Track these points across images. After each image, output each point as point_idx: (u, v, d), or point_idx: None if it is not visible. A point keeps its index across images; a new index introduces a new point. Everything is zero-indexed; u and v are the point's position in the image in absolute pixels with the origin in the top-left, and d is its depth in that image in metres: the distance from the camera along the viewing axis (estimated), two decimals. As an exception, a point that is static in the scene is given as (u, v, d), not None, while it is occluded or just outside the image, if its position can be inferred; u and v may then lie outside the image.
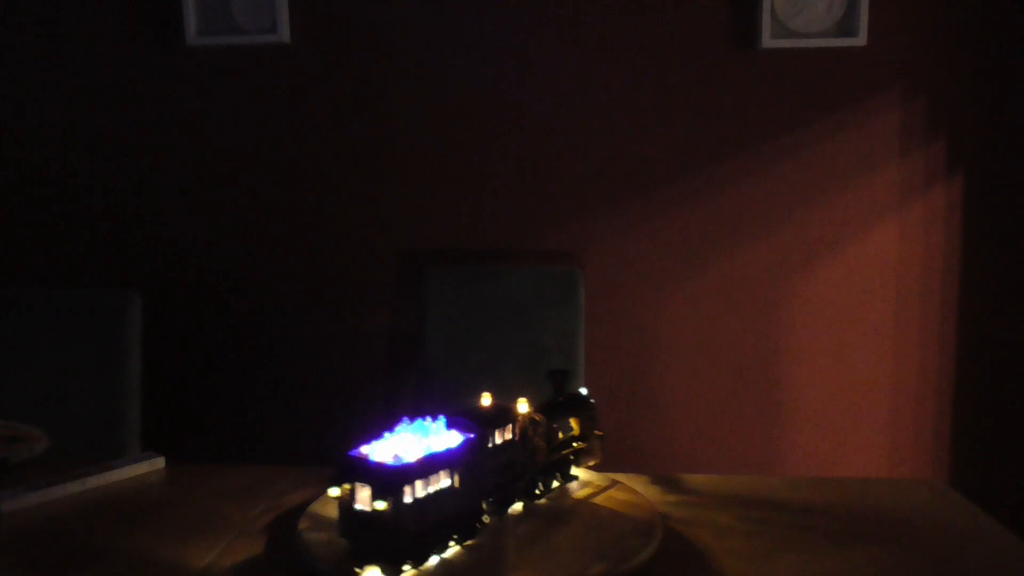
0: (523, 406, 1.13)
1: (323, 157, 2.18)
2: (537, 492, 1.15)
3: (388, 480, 0.91)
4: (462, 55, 2.12)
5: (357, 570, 0.94)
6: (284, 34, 2.09)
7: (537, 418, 1.14)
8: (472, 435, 1.03)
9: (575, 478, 1.23)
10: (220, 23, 2.11)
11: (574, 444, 1.21)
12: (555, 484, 1.19)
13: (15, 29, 2.21)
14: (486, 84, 2.13)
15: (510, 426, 1.09)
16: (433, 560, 0.97)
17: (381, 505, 0.91)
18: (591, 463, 1.25)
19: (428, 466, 0.94)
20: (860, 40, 1.99)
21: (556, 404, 1.20)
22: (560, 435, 1.18)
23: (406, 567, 0.94)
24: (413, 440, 0.99)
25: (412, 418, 1.03)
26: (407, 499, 0.92)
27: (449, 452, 0.98)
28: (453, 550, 1.00)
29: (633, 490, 1.18)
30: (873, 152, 2.08)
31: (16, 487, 1.21)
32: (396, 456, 0.94)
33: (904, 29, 2.03)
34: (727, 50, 2.07)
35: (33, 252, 2.28)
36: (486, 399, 1.13)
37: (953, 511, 1.15)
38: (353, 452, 0.96)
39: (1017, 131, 2.05)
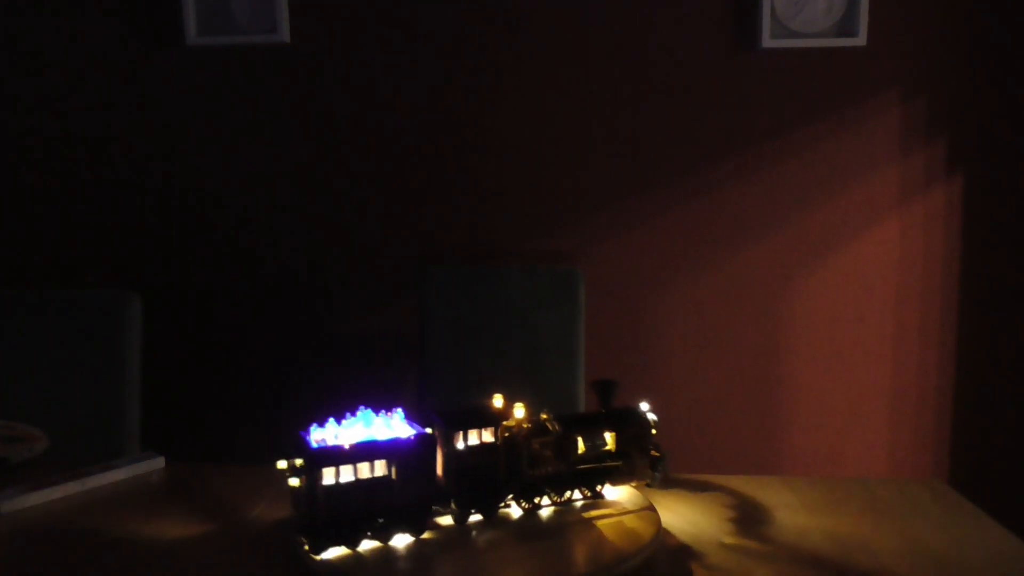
0: (519, 411, 1.09)
1: (323, 157, 2.18)
2: (540, 502, 1.11)
3: (306, 459, 0.96)
4: (462, 55, 2.12)
5: (301, 539, 0.98)
6: (284, 34, 2.09)
7: (550, 427, 1.09)
8: (423, 431, 1.03)
9: (600, 495, 1.15)
10: (220, 23, 2.11)
11: (607, 461, 1.13)
12: (574, 497, 1.13)
13: (15, 29, 2.21)
14: (486, 84, 2.13)
15: (491, 429, 1.06)
16: (369, 545, 0.99)
17: (295, 482, 0.98)
18: (634, 483, 1.16)
19: (353, 454, 0.97)
20: (860, 40, 1.99)
21: (580, 415, 1.15)
22: (582, 448, 1.11)
23: (335, 545, 0.97)
24: (368, 428, 1.04)
25: (369, 408, 1.06)
26: (326, 480, 0.95)
27: (386, 443, 0.99)
28: (402, 540, 1.01)
29: (653, 521, 1.07)
30: (873, 152, 2.08)
31: (16, 487, 1.21)
32: (322, 440, 1.00)
33: (904, 29, 2.03)
34: (727, 50, 2.07)
35: (33, 253, 2.28)
36: (498, 400, 1.12)
37: (953, 511, 1.15)
38: (304, 431, 1.02)
39: (1017, 131, 2.05)
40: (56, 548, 1.06)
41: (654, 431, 1.17)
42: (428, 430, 1.05)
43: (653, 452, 1.17)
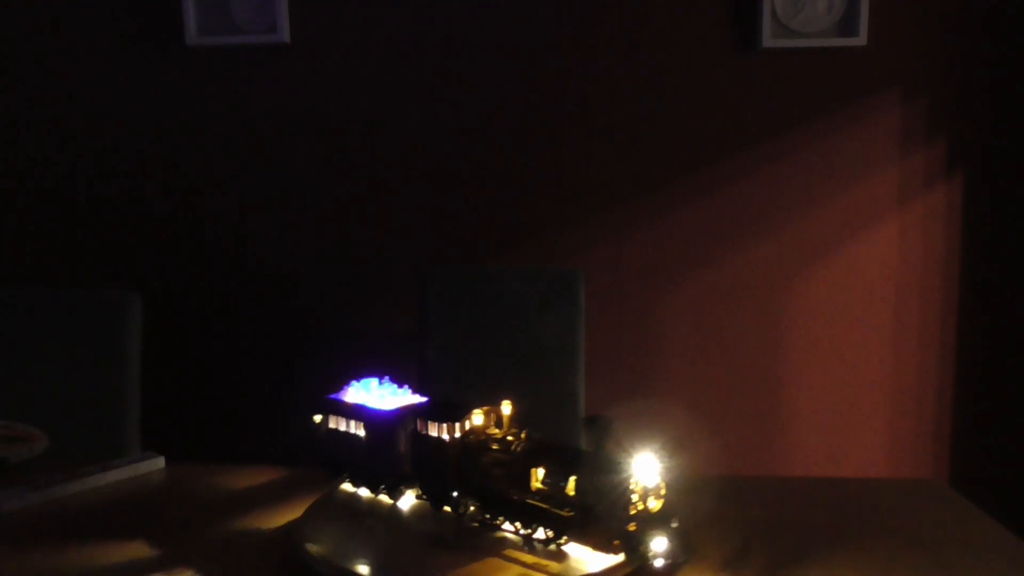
0: (477, 417, 1.04)
1: (323, 157, 2.18)
2: (500, 522, 1.00)
3: (318, 403, 1.18)
4: (462, 55, 2.12)
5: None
6: (284, 34, 2.09)
7: (512, 447, 0.98)
8: (389, 410, 1.10)
9: (548, 542, 0.94)
10: (220, 23, 2.11)
11: (565, 508, 0.93)
12: (537, 534, 0.96)
13: (15, 29, 2.21)
14: (486, 85, 2.13)
15: (446, 426, 1.03)
16: (360, 492, 1.14)
17: (317, 418, 1.18)
18: (591, 547, 0.92)
19: (342, 410, 1.15)
20: (860, 40, 1.99)
21: (557, 446, 0.98)
22: (536, 482, 0.95)
23: (334, 476, 1.17)
24: (376, 392, 1.16)
25: (377, 378, 1.19)
26: (330, 424, 1.17)
27: (362, 409, 1.12)
28: (382, 496, 1.12)
29: None
30: (873, 152, 2.08)
31: (16, 487, 1.21)
32: (335, 393, 1.18)
33: (904, 29, 2.03)
34: (727, 50, 2.07)
35: (33, 253, 2.28)
36: (506, 407, 1.08)
37: (953, 511, 1.15)
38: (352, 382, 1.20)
39: (1017, 131, 2.05)
40: (56, 548, 1.06)
41: (634, 493, 0.88)
42: (395, 410, 1.10)
43: (631, 526, 0.88)
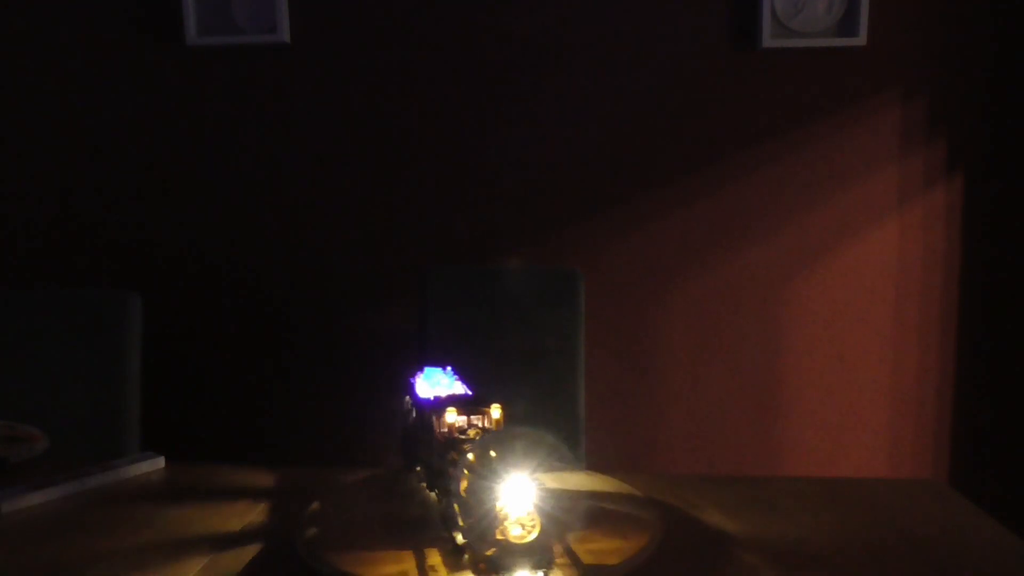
0: (449, 415, 1.02)
1: (323, 157, 2.18)
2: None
3: (405, 386, 1.25)
4: (462, 55, 2.12)
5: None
6: (284, 34, 2.09)
7: (459, 448, 0.94)
8: (430, 398, 1.13)
9: (456, 552, 0.88)
10: (220, 23, 2.11)
11: (462, 519, 0.85)
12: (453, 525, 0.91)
13: (15, 29, 2.21)
14: (486, 84, 2.13)
15: (434, 419, 1.04)
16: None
17: (406, 397, 1.22)
18: (471, 568, 0.84)
19: (409, 391, 1.23)
20: (860, 40, 1.99)
21: (481, 453, 0.89)
22: (463, 488, 0.91)
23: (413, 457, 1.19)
24: (438, 380, 1.22)
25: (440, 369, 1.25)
26: (404, 404, 1.24)
27: (413, 393, 1.19)
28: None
29: None
30: (873, 152, 2.08)
31: (16, 487, 1.21)
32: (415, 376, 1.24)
33: (904, 29, 2.03)
34: (727, 50, 2.07)
35: (33, 252, 2.28)
36: (496, 411, 1.08)
37: (953, 511, 1.15)
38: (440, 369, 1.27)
39: (1017, 131, 2.05)
40: (56, 548, 1.06)
41: (501, 518, 0.81)
42: (428, 399, 1.13)
43: (489, 551, 0.80)
